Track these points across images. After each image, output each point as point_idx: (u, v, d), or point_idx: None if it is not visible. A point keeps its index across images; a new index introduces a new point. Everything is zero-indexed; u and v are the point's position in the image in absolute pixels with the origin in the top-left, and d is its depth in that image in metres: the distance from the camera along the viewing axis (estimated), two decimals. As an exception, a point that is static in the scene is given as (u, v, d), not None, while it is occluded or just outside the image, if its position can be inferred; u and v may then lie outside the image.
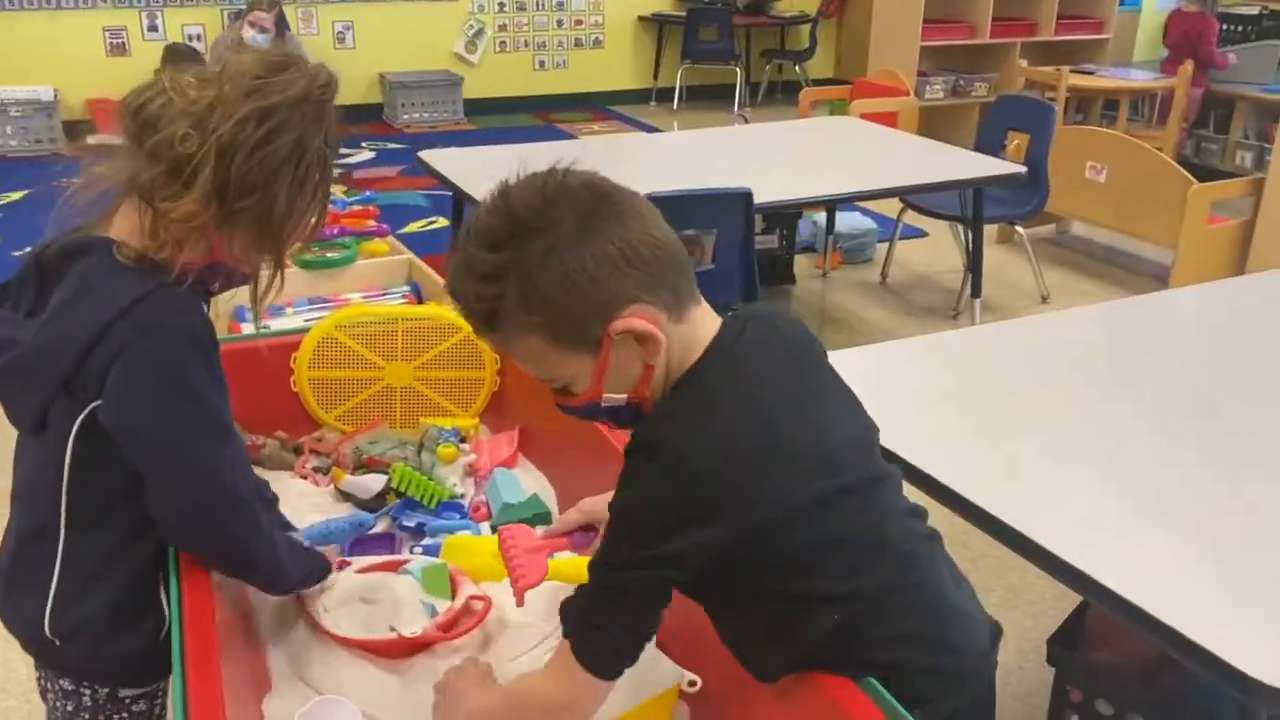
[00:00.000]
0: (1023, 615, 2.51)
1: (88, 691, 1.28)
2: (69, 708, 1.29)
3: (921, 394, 1.85)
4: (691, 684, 1.28)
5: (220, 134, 1.09)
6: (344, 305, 2.48)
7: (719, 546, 1.02)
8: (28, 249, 1.22)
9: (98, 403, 1.14)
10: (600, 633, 1.05)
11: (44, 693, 1.33)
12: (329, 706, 1.24)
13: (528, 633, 1.39)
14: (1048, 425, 1.73)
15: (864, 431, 1.16)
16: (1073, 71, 6.52)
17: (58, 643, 1.23)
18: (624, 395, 1.06)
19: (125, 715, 1.31)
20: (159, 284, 1.13)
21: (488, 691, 1.20)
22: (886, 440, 1.53)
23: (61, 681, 1.29)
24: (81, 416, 1.15)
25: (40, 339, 1.14)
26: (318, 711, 1.23)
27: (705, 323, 1.08)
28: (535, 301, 1.00)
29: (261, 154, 1.10)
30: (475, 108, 7.60)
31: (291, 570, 1.32)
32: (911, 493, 1.33)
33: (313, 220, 1.20)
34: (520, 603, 1.29)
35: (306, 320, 2.24)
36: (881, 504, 1.12)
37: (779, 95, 8.67)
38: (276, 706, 1.28)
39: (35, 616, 1.22)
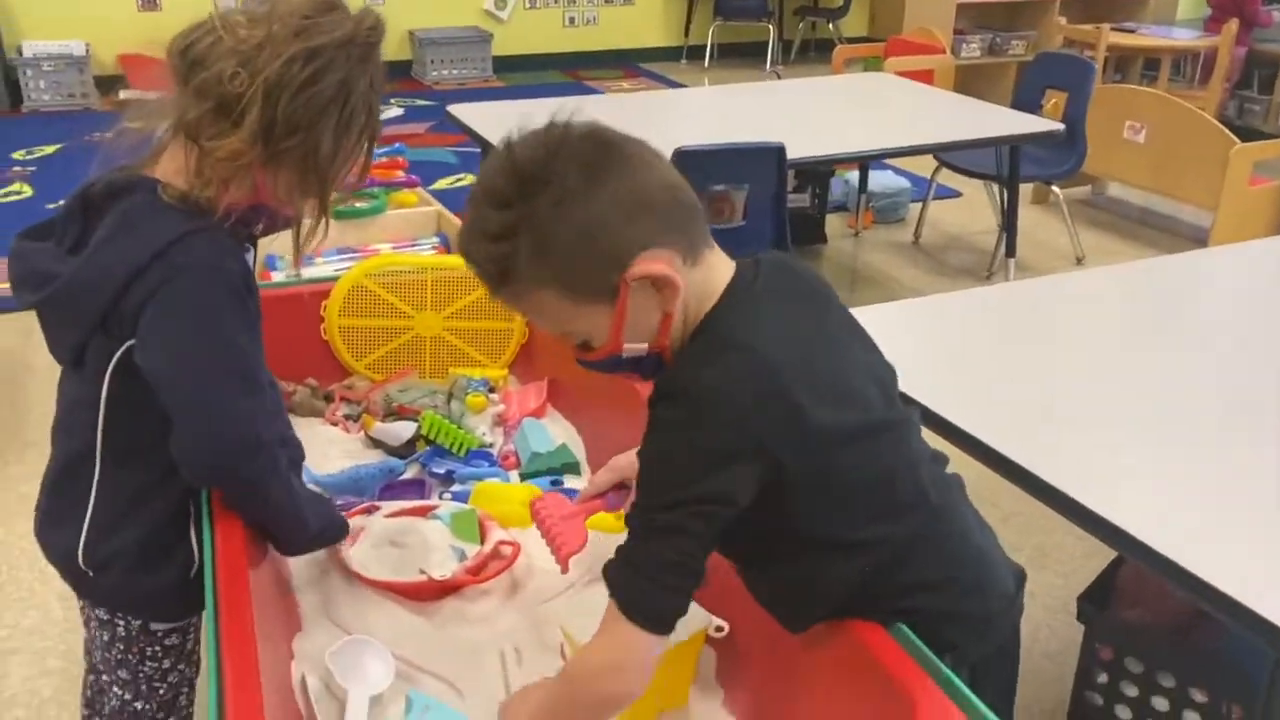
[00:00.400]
0: (1052, 575, 2.50)
1: (121, 623, 1.31)
2: (105, 637, 1.33)
3: (953, 348, 1.83)
4: (719, 629, 1.27)
5: (268, 73, 1.09)
6: (373, 255, 2.48)
7: (755, 484, 1.00)
8: (60, 203, 1.22)
9: (132, 341, 1.14)
10: (649, 583, 1.00)
11: (86, 621, 1.37)
12: (358, 646, 1.25)
13: (556, 577, 1.39)
14: (1082, 379, 1.70)
15: (884, 372, 1.15)
16: (1113, 29, 6.37)
17: (91, 574, 1.26)
18: (644, 345, 1.04)
19: (158, 648, 1.33)
20: (200, 226, 1.14)
21: (533, 692, 1.16)
22: (917, 393, 1.54)
23: (98, 611, 1.32)
24: (118, 355, 1.16)
25: (79, 274, 1.14)
26: (347, 651, 1.24)
27: (720, 267, 1.07)
28: (548, 255, 0.98)
29: (307, 94, 1.10)
30: (504, 65, 7.54)
31: (310, 519, 1.30)
32: (942, 445, 1.31)
33: (358, 165, 1.20)
34: (566, 570, 1.29)
35: (336, 270, 2.24)
36: (905, 450, 1.11)
37: (812, 54, 8.54)
38: (306, 645, 1.29)
39: (71, 547, 1.25)
